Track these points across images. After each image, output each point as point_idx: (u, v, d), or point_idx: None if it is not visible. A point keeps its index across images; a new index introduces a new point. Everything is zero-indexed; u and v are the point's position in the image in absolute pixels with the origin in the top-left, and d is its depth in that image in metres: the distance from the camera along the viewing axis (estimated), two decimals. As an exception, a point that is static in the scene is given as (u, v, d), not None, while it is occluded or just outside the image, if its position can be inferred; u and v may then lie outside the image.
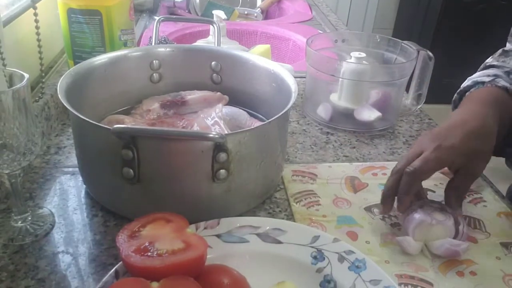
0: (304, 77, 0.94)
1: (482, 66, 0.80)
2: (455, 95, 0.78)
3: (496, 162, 0.79)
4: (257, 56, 0.76)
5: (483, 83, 0.73)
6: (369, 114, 0.82)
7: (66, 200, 0.64)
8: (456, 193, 0.62)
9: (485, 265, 0.56)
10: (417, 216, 0.58)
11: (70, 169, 0.70)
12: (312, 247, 0.53)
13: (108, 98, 0.73)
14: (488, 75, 0.74)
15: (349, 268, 0.51)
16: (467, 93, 0.74)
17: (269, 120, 0.59)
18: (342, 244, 0.53)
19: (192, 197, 0.57)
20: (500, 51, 0.78)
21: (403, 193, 0.59)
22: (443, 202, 0.62)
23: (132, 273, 0.45)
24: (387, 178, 0.62)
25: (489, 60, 0.79)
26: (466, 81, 0.77)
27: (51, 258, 0.54)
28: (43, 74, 0.79)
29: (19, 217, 0.57)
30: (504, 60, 0.77)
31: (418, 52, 0.85)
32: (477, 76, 0.76)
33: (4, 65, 0.65)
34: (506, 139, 0.71)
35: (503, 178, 0.74)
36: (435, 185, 0.68)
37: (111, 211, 0.61)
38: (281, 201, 0.65)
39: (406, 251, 0.57)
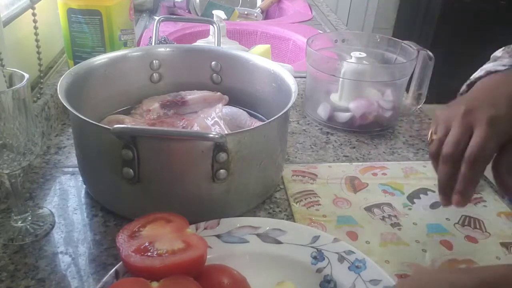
0: (304, 77, 0.94)
1: (492, 58, 0.72)
2: (464, 86, 0.69)
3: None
4: (257, 56, 0.76)
5: (496, 72, 0.64)
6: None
7: (66, 200, 0.64)
8: (508, 166, 0.52)
9: (485, 265, 0.56)
10: None
11: (70, 169, 0.70)
12: (312, 247, 0.53)
13: (108, 98, 0.73)
14: (504, 65, 0.66)
15: (349, 268, 0.51)
16: (477, 82, 0.64)
17: (269, 120, 0.58)
18: (342, 244, 0.53)
19: (192, 197, 0.57)
20: (502, 48, 0.76)
21: (468, 186, 0.51)
22: None
23: (132, 273, 0.45)
24: (436, 167, 0.54)
25: (498, 52, 0.72)
26: (478, 70, 0.68)
27: (51, 258, 0.54)
28: (42, 75, 0.79)
29: (19, 217, 0.57)
30: None
31: (418, 52, 0.85)
32: (491, 66, 0.67)
33: (3, 65, 0.65)
34: None
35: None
36: (435, 184, 0.68)
37: (111, 211, 0.61)
38: (281, 201, 0.65)
39: None
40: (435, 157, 0.54)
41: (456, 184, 0.51)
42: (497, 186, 0.54)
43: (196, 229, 0.54)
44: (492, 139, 0.50)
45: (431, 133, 0.56)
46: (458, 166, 0.51)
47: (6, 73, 0.52)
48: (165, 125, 0.72)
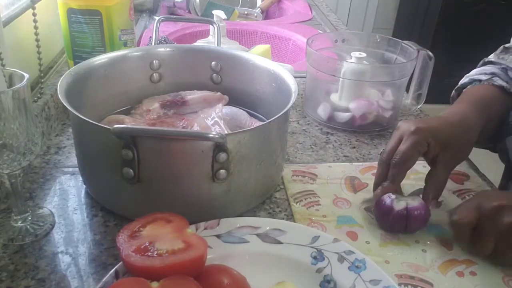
0: (304, 77, 0.94)
1: (481, 62, 0.80)
2: (453, 91, 0.80)
3: (496, 161, 0.79)
4: (257, 56, 0.76)
5: (480, 81, 0.74)
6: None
7: (66, 200, 0.64)
8: (435, 182, 0.63)
9: (485, 265, 0.56)
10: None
11: (70, 169, 0.70)
12: (312, 247, 0.53)
13: (108, 98, 0.73)
14: (485, 73, 0.75)
15: (349, 268, 0.51)
16: (464, 90, 0.75)
17: (269, 120, 0.58)
18: (342, 244, 0.53)
19: (192, 197, 0.57)
20: (501, 47, 0.79)
21: (390, 183, 0.62)
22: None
23: (132, 273, 0.45)
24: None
25: (490, 56, 0.79)
26: (464, 78, 0.78)
27: (51, 258, 0.54)
28: (42, 75, 0.79)
29: (19, 217, 0.57)
30: (503, 57, 0.77)
31: (418, 52, 0.85)
32: (475, 73, 0.77)
33: (3, 65, 0.65)
34: (497, 136, 0.72)
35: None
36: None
37: (111, 211, 0.61)
38: (281, 201, 0.65)
39: None
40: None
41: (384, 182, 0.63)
42: (423, 197, 0.62)
43: (196, 229, 0.54)
44: (412, 146, 0.61)
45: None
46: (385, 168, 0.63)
47: (6, 73, 0.52)
48: (165, 125, 0.72)
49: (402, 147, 0.62)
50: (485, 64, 0.79)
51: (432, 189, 0.62)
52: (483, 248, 0.54)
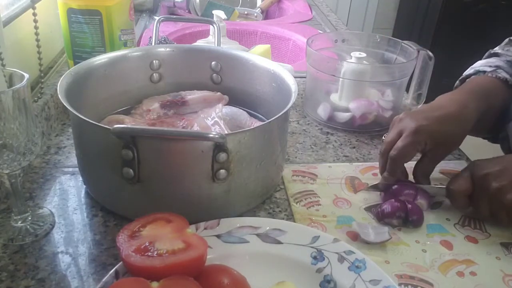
0: (304, 77, 0.94)
1: (486, 54, 0.80)
2: (457, 82, 0.80)
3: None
4: (257, 56, 0.76)
5: (484, 72, 0.74)
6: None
7: (66, 200, 0.64)
8: (423, 173, 0.67)
9: (485, 265, 0.56)
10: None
11: (70, 169, 0.70)
12: (312, 247, 0.53)
13: (108, 98, 0.73)
14: (490, 65, 0.75)
15: (349, 268, 0.51)
16: (467, 80, 0.76)
17: (269, 120, 0.58)
18: (342, 244, 0.53)
19: (192, 197, 0.57)
20: (506, 40, 0.79)
21: (388, 174, 0.66)
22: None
23: (132, 273, 0.45)
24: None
25: (496, 48, 0.80)
26: (469, 69, 0.79)
27: (51, 258, 0.54)
28: (42, 75, 0.79)
29: (19, 217, 0.57)
30: (508, 49, 0.77)
31: (418, 52, 0.85)
32: (480, 65, 0.77)
33: (3, 65, 0.65)
34: (498, 126, 0.73)
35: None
36: (435, 184, 0.68)
37: (111, 211, 0.61)
38: (281, 201, 0.65)
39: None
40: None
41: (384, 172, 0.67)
42: (415, 182, 0.67)
43: (196, 229, 0.54)
44: (411, 145, 0.64)
45: (384, 136, 0.70)
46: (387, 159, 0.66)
47: (6, 73, 0.52)
48: (165, 125, 0.72)
49: (400, 143, 0.64)
50: (490, 55, 0.79)
51: (420, 178, 0.67)
52: (481, 211, 0.61)
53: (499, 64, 0.75)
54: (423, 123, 0.64)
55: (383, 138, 0.71)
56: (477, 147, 0.77)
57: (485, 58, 0.80)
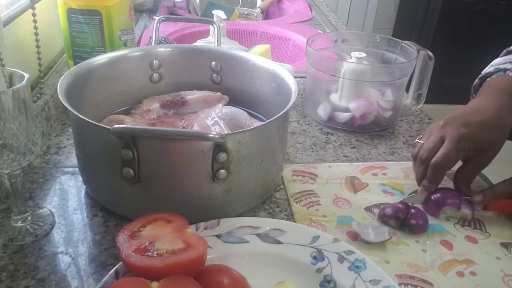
0: (304, 77, 0.94)
1: (504, 51, 0.78)
2: (476, 80, 0.78)
3: (497, 162, 0.79)
4: (257, 56, 0.76)
5: (505, 70, 0.72)
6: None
7: (66, 200, 0.64)
8: (465, 180, 0.66)
9: (485, 265, 0.56)
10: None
11: (70, 169, 0.70)
12: (312, 247, 0.53)
13: (108, 98, 0.73)
14: (510, 62, 0.73)
15: (349, 268, 0.51)
16: (487, 79, 0.74)
17: (269, 120, 0.58)
18: (342, 244, 0.53)
19: (192, 197, 0.57)
20: None
21: (429, 183, 0.64)
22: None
23: (132, 273, 0.45)
24: (413, 166, 0.68)
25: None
26: (488, 66, 0.77)
27: (51, 258, 0.54)
28: (42, 75, 0.79)
29: (19, 217, 0.57)
30: None
31: (418, 52, 0.85)
32: (499, 62, 0.75)
33: (3, 65, 0.65)
34: None
35: (504, 178, 0.74)
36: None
37: (111, 211, 0.61)
38: (281, 201, 0.65)
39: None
40: (415, 158, 0.67)
41: (423, 180, 0.65)
42: (455, 189, 0.66)
43: (196, 229, 0.54)
44: (455, 152, 0.63)
45: (418, 138, 0.69)
46: (428, 167, 0.64)
47: (6, 73, 0.52)
48: (165, 125, 0.72)
49: (444, 150, 0.63)
50: (509, 53, 0.77)
51: (462, 185, 0.66)
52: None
53: None
54: (465, 130, 0.63)
55: (416, 141, 0.69)
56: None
57: (502, 56, 0.77)
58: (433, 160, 0.63)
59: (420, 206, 0.65)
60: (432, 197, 0.64)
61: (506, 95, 0.67)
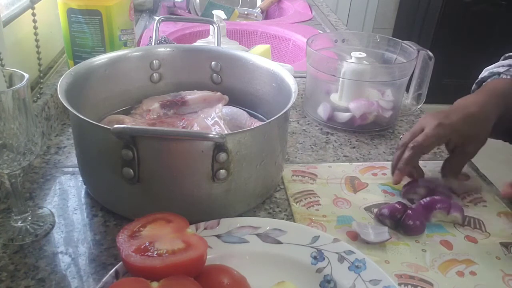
0: (304, 77, 0.94)
1: (502, 58, 0.81)
2: (474, 85, 0.81)
3: (496, 162, 0.79)
4: (257, 56, 0.76)
5: (499, 74, 0.76)
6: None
7: (66, 200, 0.64)
8: (452, 169, 0.69)
9: (485, 265, 0.56)
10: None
11: (70, 169, 0.70)
12: (312, 247, 0.53)
13: (108, 98, 0.73)
14: (503, 66, 0.76)
15: (349, 268, 0.51)
16: (484, 83, 0.77)
17: (269, 120, 0.58)
18: (342, 244, 0.53)
19: (192, 197, 0.57)
20: None
21: (403, 164, 0.66)
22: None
23: (132, 273, 0.45)
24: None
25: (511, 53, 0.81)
26: (483, 71, 0.80)
27: (51, 258, 0.54)
28: (42, 75, 0.79)
29: (19, 217, 0.57)
30: None
31: (418, 52, 0.85)
32: (493, 66, 0.79)
33: (3, 65, 0.65)
34: None
35: (503, 178, 0.74)
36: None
37: (111, 211, 0.61)
38: (281, 201, 0.65)
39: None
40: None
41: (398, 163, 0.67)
42: (442, 176, 0.70)
43: (196, 229, 0.54)
44: (432, 137, 0.65)
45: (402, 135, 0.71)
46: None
47: (6, 73, 0.52)
48: (165, 125, 0.72)
49: (423, 134, 0.66)
50: (505, 59, 0.80)
51: (448, 172, 0.69)
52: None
53: (511, 63, 0.75)
54: (445, 120, 0.66)
55: (400, 137, 0.71)
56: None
57: (500, 61, 0.80)
58: (410, 143, 0.66)
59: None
60: (422, 201, 0.63)
61: (494, 95, 0.70)
